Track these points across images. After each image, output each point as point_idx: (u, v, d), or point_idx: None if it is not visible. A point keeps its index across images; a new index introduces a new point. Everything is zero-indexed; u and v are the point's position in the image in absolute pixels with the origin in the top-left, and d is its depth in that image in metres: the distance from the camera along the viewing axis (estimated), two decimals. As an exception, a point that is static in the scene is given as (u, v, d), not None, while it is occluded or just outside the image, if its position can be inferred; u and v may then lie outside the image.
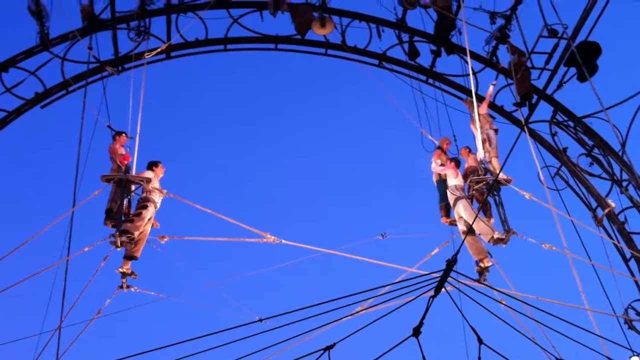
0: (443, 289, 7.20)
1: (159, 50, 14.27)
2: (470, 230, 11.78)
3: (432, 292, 7.21)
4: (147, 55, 13.99)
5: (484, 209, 12.23)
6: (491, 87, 14.35)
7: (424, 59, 15.68)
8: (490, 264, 11.92)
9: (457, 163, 12.99)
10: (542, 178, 13.51)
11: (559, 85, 15.07)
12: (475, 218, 11.44)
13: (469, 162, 13.23)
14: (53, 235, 11.05)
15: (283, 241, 11.74)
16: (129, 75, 13.53)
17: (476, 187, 12.38)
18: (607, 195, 14.11)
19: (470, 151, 13.39)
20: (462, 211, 12.08)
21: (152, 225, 11.63)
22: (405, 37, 15.74)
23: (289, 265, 12.43)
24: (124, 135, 12.29)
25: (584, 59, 13.75)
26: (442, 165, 13.01)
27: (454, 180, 12.57)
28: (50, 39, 13.94)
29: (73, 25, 13.92)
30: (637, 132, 14.06)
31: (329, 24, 14.83)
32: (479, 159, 12.76)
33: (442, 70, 15.72)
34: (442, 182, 12.97)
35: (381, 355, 6.98)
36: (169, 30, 14.65)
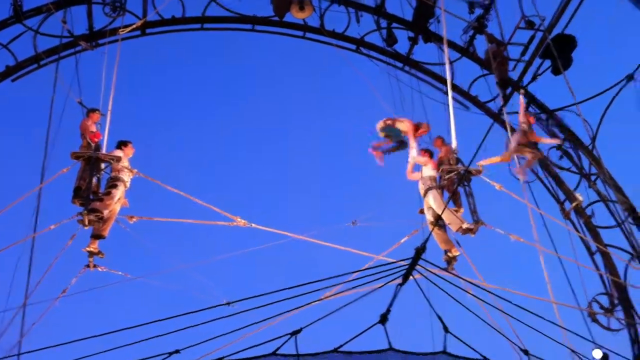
0: (411, 277, 7.25)
1: (134, 26, 14.09)
2: (437, 221, 11.84)
3: (399, 280, 7.25)
4: (122, 31, 13.79)
5: (454, 199, 12.28)
6: (521, 97, 13.95)
7: (402, 46, 15.72)
8: (458, 253, 12.01)
9: (430, 154, 13.00)
10: (517, 170, 13.61)
11: (533, 78, 15.17)
12: (444, 209, 11.49)
13: (442, 152, 13.27)
14: (20, 211, 10.93)
15: (253, 225, 11.70)
16: (103, 51, 13.36)
17: (447, 177, 12.42)
18: (575, 189, 14.30)
19: (443, 141, 13.42)
20: (432, 201, 12.12)
21: (122, 204, 11.54)
22: (383, 23, 15.74)
23: (259, 249, 12.41)
24: (97, 112, 12.11)
25: (559, 51, 13.84)
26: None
27: (427, 170, 12.58)
28: (24, 11, 13.72)
29: (47, -2, 13.72)
30: (608, 127, 14.24)
31: (307, 8, 14.75)
32: (452, 149, 12.78)
33: (418, 58, 15.77)
34: None
35: (348, 342, 7.02)
36: (145, 7, 14.45)
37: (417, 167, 12.82)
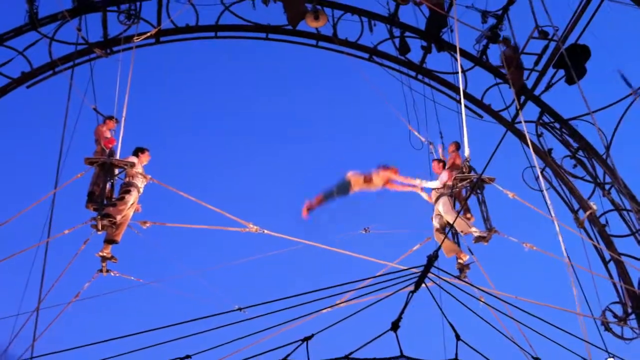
0: (423, 285, 7.22)
1: (148, 34, 14.18)
2: (448, 229, 11.82)
3: (412, 287, 7.22)
4: (137, 39, 13.89)
5: (465, 207, 12.24)
6: None
7: (415, 55, 15.72)
8: (467, 257, 11.99)
9: (444, 164, 12.99)
10: (539, 177, 13.56)
11: (547, 87, 15.15)
12: (456, 217, 11.46)
13: (453, 157, 13.27)
14: (34, 216, 10.98)
15: (265, 231, 11.71)
16: (117, 58, 13.45)
17: (459, 184, 12.40)
18: (589, 198, 14.23)
19: (457, 147, 13.41)
20: (442, 208, 12.10)
21: (135, 210, 11.59)
22: (396, 32, 15.76)
23: (271, 255, 12.41)
24: (113, 119, 12.20)
25: (573, 61, 13.82)
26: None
27: (443, 177, 12.56)
28: (39, 19, 13.80)
29: (63, 6, 13.82)
30: (622, 136, 14.18)
31: (322, 17, 14.81)
32: (464, 157, 12.76)
33: (431, 67, 15.78)
34: None
35: (359, 348, 6.97)
36: (160, 15, 14.54)
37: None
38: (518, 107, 14.60)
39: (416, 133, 14.21)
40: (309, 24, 14.93)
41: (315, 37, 15.49)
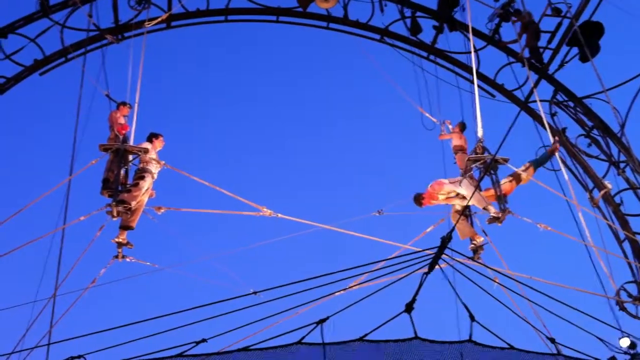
0: (437, 266, 7.23)
1: (159, 19, 14.19)
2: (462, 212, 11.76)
3: (425, 269, 7.23)
4: (148, 24, 13.89)
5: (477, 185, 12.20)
6: None
7: (426, 35, 15.62)
8: (482, 240, 11.95)
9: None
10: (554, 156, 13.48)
11: (561, 65, 15.02)
12: (471, 196, 11.39)
13: (459, 138, 13.24)
14: (50, 203, 11.07)
15: (279, 215, 11.72)
16: (129, 44, 13.46)
17: (472, 166, 12.34)
18: (604, 177, 14.14)
19: (462, 129, 13.38)
20: (465, 191, 11.99)
21: (149, 196, 11.64)
22: (407, 12, 15.64)
23: (285, 239, 12.46)
24: (127, 105, 12.24)
25: (587, 39, 13.70)
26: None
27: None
28: (50, 6, 13.86)
29: (74, -8, 13.83)
30: (637, 114, 14.06)
31: (333, -3, 14.75)
32: (478, 137, 12.69)
33: (443, 47, 15.67)
34: None
35: (373, 330, 7.01)
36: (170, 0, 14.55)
37: None
38: (532, 83, 14.48)
39: (427, 114, 14.17)
40: (319, 5, 14.87)
41: (325, 18, 15.42)
